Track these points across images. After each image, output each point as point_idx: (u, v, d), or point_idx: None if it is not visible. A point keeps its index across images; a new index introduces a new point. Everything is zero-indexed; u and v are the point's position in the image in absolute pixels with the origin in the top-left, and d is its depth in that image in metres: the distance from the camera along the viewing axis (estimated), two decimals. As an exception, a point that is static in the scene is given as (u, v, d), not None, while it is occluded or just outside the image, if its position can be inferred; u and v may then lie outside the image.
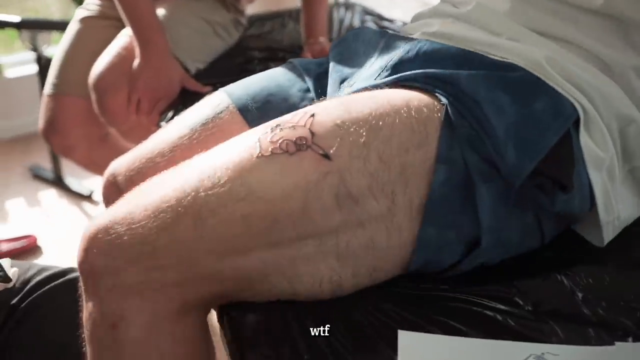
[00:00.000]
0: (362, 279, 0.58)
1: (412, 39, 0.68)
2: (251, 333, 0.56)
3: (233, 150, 0.56)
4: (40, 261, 1.44)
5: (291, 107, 0.74)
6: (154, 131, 0.81)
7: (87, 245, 0.55)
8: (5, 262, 0.73)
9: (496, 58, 0.62)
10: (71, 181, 2.04)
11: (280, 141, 0.55)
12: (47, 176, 2.10)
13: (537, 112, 0.58)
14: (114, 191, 0.78)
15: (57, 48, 1.41)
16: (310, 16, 1.39)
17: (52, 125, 1.36)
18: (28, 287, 0.76)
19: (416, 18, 0.79)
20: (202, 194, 0.54)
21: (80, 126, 1.36)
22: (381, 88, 0.63)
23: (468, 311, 0.56)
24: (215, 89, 0.89)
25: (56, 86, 1.35)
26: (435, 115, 0.58)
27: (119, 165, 0.80)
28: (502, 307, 0.57)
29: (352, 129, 0.55)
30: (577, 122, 0.60)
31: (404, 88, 0.61)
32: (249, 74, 0.83)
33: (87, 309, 0.56)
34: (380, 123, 0.56)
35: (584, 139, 0.60)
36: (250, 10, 1.60)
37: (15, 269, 0.74)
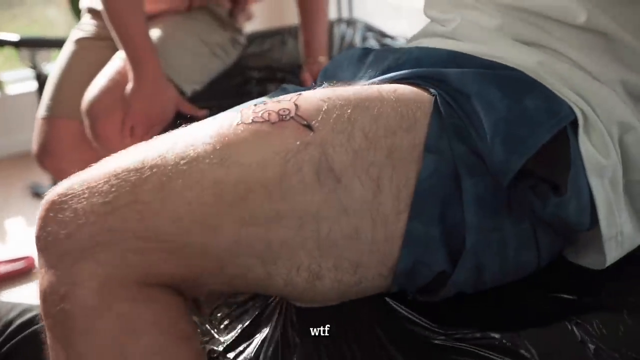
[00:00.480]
0: (344, 275, 0.54)
1: (402, 49, 0.68)
2: None
3: (213, 122, 0.54)
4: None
5: None
6: None
7: (44, 213, 0.50)
8: (-15, 304, 0.71)
9: (489, 59, 0.61)
10: (71, 200, 2.02)
11: (262, 112, 0.53)
12: (47, 194, 2.09)
13: (529, 109, 0.56)
14: None
15: (52, 69, 1.38)
16: (309, 35, 1.36)
17: (46, 148, 1.33)
18: (9, 329, 0.73)
19: (409, 41, 0.78)
20: (172, 155, 0.50)
21: (75, 149, 1.32)
22: None
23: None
24: (211, 112, 0.87)
25: (50, 109, 1.33)
26: (425, 104, 0.57)
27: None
28: (507, 361, 0.53)
29: (337, 104, 0.54)
30: (575, 126, 0.57)
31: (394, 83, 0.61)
32: (246, 96, 0.81)
33: (41, 286, 0.50)
34: (367, 104, 0.55)
35: (584, 143, 0.57)
36: (251, 27, 1.58)
37: (-5, 312, 0.71)
